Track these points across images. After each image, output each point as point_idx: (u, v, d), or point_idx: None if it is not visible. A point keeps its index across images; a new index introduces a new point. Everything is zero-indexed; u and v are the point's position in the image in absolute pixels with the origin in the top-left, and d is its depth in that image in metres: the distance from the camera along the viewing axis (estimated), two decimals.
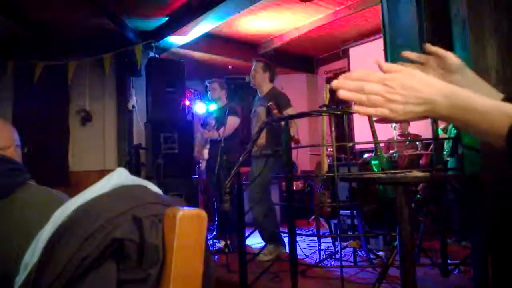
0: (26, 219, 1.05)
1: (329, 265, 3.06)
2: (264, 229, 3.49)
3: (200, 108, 5.12)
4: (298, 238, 3.17)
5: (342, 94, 0.67)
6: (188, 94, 6.00)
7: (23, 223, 1.04)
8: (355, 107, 0.67)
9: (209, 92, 4.35)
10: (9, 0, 4.28)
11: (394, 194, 1.76)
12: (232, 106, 4.17)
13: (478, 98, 0.62)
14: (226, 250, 3.32)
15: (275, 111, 3.50)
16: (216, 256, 3.62)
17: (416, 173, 1.67)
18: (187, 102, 5.34)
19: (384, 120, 0.67)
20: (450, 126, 3.52)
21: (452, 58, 0.89)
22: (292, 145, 3.55)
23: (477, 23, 1.61)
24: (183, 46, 5.56)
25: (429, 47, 0.88)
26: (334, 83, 0.68)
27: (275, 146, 3.45)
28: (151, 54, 5.38)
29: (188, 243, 0.66)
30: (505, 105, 0.60)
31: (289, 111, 3.54)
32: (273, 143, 3.50)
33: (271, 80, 3.78)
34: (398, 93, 0.64)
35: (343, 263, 2.59)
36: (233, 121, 3.99)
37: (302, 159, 6.05)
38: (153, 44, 5.31)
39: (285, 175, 2.80)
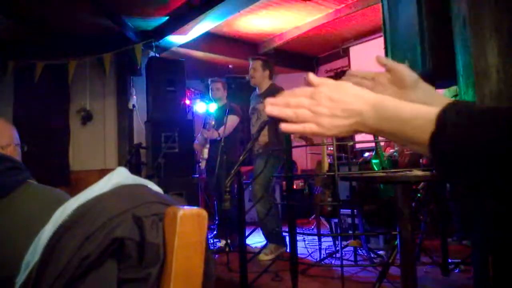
0: (26, 218, 1.05)
1: (329, 264, 3.06)
2: (266, 227, 3.49)
3: (200, 107, 5.12)
4: (299, 237, 3.18)
5: (269, 110, 0.64)
6: (188, 94, 6.00)
7: (23, 222, 1.04)
8: (281, 125, 0.64)
9: (211, 92, 4.33)
10: None
11: (394, 193, 1.76)
12: (232, 105, 4.17)
13: (405, 106, 0.58)
14: (227, 249, 3.32)
15: None
16: (216, 255, 3.62)
17: (417, 172, 1.67)
18: (187, 101, 5.33)
19: (311, 138, 0.65)
20: None
21: (404, 72, 0.80)
22: (297, 143, 3.56)
23: (477, 22, 1.60)
24: (183, 45, 5.56)
25: (379, 59, 0.76)
26: (266, 102, 0.65)
27: (277, 144, 3.44)
28: (151, 54, 5.38)
29: (189, 242, 0.66)
30: (428, 109, 0.55)
31: None
32: (274, 141, 3.50)
33: (271, 77, 3.77)
34: (325, 105, 0.61)
35: (344, 262, 2.59)
36: (233, 120, 3.98)
37: (302, 158, 6.06)
38: (153, 43, 5.31)
39: (285, 174, 2.80)
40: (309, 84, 0.64)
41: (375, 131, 0.61)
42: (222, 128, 3.79)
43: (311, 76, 0.64)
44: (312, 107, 0.61)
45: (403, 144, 0.59)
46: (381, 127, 0.59)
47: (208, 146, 4.45)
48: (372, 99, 0.60)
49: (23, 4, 4.40)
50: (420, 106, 0.57)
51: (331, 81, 0.63)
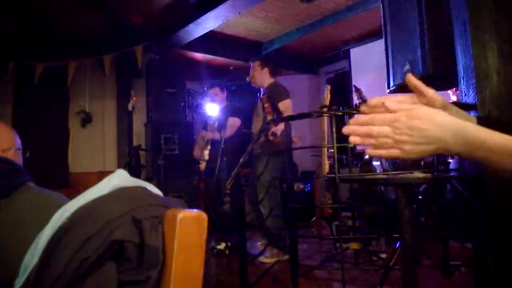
0: (25, 221, 1.04)
1: (330, 266, 3.05)
2: (267, 230, 3.45)
3: (201, 109, 5.11)
4: (299, 240, 3.16)
5: (353, 140, 0.71)
6: (188, 95, 5.99)
7: (22, 225, 1.03)
8: (368, 151, 0.72)
9: (210, 97, 4.33)
10: (10, 1, 4.28)
11: (395, 195, 1.75)
12: (233, 107, 4.17)
13: (488, 134, 0.63)
14: (227, 252, 3.31)
15: (266, 105, 3.48)
16: (216, 258, 3.60)
17: (418, 174, 1.66)
18: (187, 103, 5.33)
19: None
20: None
21: (433, 95, 0.79)
22: (293, 145, 3.55)
23: (478, 25, 1.60)
24: (183, 47, 5.56)
25: (410, 79, 0.76)
26: (345, 129, 0.72)
27: (275, 144, 3.42)
28: (152, 55, 5.38)
29: (189, 245, 0.66)
30: (510, 143, 0.61)
31: (284, 103, 3.48)
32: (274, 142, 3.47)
33: (272, 74, 3.73)
34: (406, 133, 0.66)
35: (344, 264, 2.58)
36: (234, 122, 3.99)
37: (303, 160, 6.05)
38: (153, 45, 5.31)
39: (285, 176, 2.80)
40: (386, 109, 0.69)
41: (462, 156, 0.66)
42: (223, 130, 3.79)
43: (389, 103, 0.70)
44: (394, 135, 0.67)
45: (487, 166, 0.64)
46: (464, 152, 0.64)
47: (209, 147, 4.45)
48: (454, 126, 0.65)
49: (23, 5, 4.41)
50: (503, 137, 0.62)
51: (406, 106, 0.68)
